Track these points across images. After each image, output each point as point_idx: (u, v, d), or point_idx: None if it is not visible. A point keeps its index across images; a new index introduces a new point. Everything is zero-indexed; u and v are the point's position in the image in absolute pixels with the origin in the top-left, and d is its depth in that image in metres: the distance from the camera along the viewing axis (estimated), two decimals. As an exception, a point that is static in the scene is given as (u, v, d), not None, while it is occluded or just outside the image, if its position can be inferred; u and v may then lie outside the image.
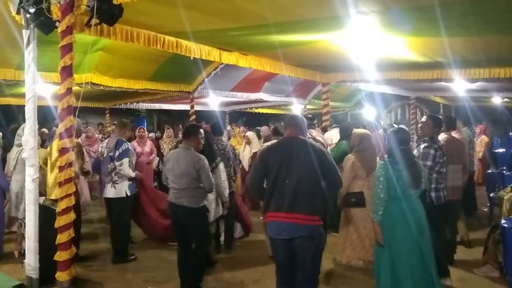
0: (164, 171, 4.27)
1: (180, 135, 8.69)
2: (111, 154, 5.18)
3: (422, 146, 4.44)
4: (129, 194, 5.19)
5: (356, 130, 5.12)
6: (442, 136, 4.94)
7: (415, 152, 4.42)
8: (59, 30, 3.40)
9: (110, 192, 5.17)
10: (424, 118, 4.81)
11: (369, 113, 13.75)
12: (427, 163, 4.27)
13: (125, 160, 5.14)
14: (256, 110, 15.93)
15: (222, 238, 5.54)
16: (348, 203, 4.77)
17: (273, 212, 3.18)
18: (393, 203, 3.59)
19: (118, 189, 5.14)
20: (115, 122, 5.93)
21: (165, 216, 5.73)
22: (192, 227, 4.12)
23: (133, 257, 5.26)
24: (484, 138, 10.30)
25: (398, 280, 3.54)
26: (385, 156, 3.81)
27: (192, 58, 5.61)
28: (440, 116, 5.12)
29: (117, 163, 5.11)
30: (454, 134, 5.27)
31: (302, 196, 3.13)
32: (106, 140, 5.49)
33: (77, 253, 5.23)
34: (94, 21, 3.43)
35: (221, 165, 4.98)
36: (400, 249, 3.55)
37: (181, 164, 4.05)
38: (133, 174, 5.22)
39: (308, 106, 13.98)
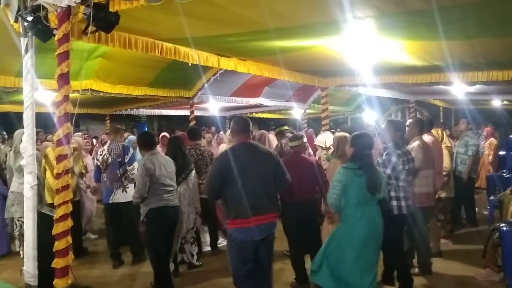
0: (150, 177, 4.25)
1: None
2: (119, 159, 5.25)
3: (384, 153, 4.27)
4: None
5: (336, 134, 5.05)
6: (414, 142, 4.84)
7: (379, 159, 4.30)
8: (56, 38, 3.41)
9: (121, 196, 5.28)
10: (383, 125, 4.68)
11: (369, 117, 13.77)
12: (386, 171, 4.09)
13: (136, 164, 5.32)
14: (257, 115, 15.93)
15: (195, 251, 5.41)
16: None
17: (248, 218, 3.31)
18: (352, 209, 3.59)
19: (130, 193, 5.24)
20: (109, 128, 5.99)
21: None
22: (175, 226, 4.53)
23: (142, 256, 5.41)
24: (493, 141, 10.17)
25: (338, 277, 3.60)
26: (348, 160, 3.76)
27: (190, 64, 5.63)
28: (400, 120, 5.05)
29: (129, 167, 5.28)
30: (425, 137, 5.13)
31: (269, 197, 3.46)
32: (106, 147, 5.43)
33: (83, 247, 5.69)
34: (91, 28, 3.45)
35: (193, 172, 5.11)
36: (351, 252, 3.57)
37: (168, 167, 4.43)
38: None
39: (308, 111, 14.00)
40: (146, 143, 4.48)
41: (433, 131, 5.73)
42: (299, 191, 4.34)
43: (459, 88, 8.87)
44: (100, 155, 5.35)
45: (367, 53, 5.71)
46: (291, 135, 5.29)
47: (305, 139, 4.93)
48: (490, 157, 10.00)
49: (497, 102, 12.70)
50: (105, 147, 5.44)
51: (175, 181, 4.53)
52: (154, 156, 4.40)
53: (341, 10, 3.66)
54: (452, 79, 7.17)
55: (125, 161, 5.29)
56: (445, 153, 5.75)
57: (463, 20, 4.09)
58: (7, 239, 5.98)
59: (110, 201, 5.30)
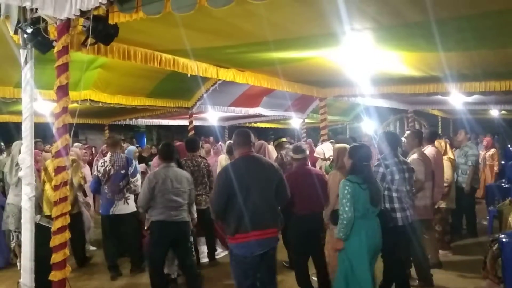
0: (152, 190, 4.23)
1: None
2: (123, 171, 5.24)
3: (375, 165, 4.17)
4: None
5: (336, 145, 5.03)
6: (413, 154, 4.81)
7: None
8: (55, 50, 3.42)
9: (123, 208, 5.25)
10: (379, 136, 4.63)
11: (367, 126, 13.78)
12: None
13: (138, 176, 5.34)
14: (256, 125, 15.96)
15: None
16: (335, 220, 4.59)
17: (247, 232, 3.28)
18: (354, 222, 3.55)
19: (131, 205, 5.25)
20: (107, 140, 5.98)
21: None
22: (187, 241, 4.44)
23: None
24: (495, 151, 10.11)
25: None
26: (350, 173, 3.69)
27: (189, 75, 5.65)
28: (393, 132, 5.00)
29: (133, 179, 5.28)
30: (428, 149, 5.13)
31: (270, 212, 3.42)
32: (107, 158, 5.35)
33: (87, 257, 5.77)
34: (90, 40, 3.46)
35: None
36: (354, 264, 3.56)
37: (178, 182, 4.33)
38: (139, 190, 5.29)
39: (306, 120, 14.03)
40: (163, 155, 4.49)
41: (436, 142, 5.68)
42: (309, 203, 4.28)
43: (457, 98, 8.91)
44: (102, 166, 5.27)
45: (365, 64, 5.74)
46: (291, 146, 5.27)
47: (308, 152, 4.90)
48: (496, 168, 9.90)
49: (495, 112, 12.77)
50: (107, 158, 5.36)
51: (183, 197, 4.39)
52: (164, 169, 4.34)
53: (339, 22, 3.69)
54: (450, 90, 7.23)
55: (129, 173, 5.28)
56: (447, 165, 5.68)
57: (461, 32, 4.12)
58: (5, 251, 5.89)
59: (111, 213, 5.20)
